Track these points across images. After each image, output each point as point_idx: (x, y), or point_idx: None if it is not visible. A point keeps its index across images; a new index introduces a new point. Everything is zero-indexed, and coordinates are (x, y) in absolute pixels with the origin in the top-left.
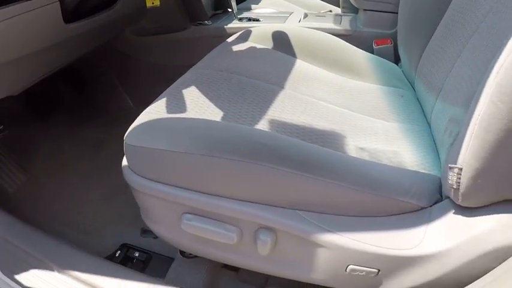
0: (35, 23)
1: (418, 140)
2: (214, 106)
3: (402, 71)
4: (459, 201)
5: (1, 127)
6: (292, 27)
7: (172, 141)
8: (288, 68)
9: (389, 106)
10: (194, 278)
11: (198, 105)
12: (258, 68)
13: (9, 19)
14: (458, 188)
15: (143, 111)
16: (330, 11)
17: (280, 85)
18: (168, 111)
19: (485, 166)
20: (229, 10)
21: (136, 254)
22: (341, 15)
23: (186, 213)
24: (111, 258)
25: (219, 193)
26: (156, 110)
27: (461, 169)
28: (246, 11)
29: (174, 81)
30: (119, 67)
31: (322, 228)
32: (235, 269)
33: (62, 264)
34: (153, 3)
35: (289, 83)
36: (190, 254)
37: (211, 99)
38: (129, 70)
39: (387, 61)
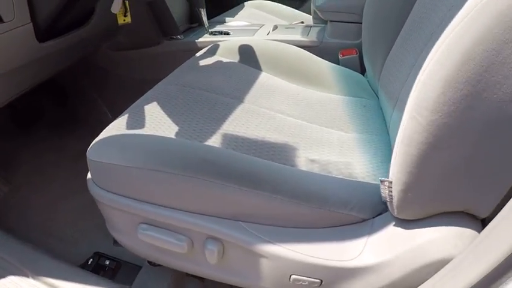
0: (9, 43)
1: (374, 151)
2: (171, 122)
3: (367, 80)
4: (395, 214)
5: None
6: (258, 40)
7: (124, 157)
8: (250, 81)
9: (350, 116)
10: (159, 285)
11: (156, 121)
12: (220, 83)
13: None
14: (392, 201)
15: (106, 128)
16: (302, 22)
17: (240, 99)
18: (128, 127)
19: (412, 180)
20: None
21: (107, 262)
22: (310, 27)
23: (142, 223)
24: (84, 266)
25: (169, 205)
26: (117, 126)
27: (391, 182)
28: (220, 24)
29: None
30: (98, 81)
31: (263, 239)
32: (200, 278)
33: (37, 271)
34: (124, 20)
35: (250, 97)
36: None
37: (169, 114)
38: (108, 83)
39: (352, 71)
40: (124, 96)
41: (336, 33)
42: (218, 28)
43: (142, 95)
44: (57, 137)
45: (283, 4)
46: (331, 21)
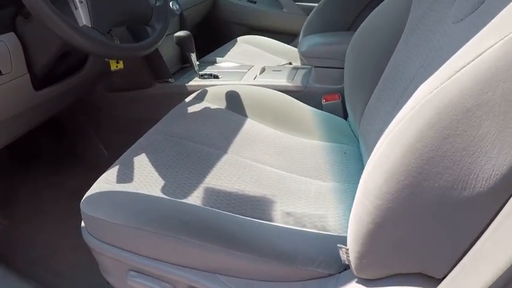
0: (6, 93)
1: (350, 201)
2: (157, 176)
3: (350, 125)
4: (355, 274)
5: None
6: (244, 87)
7: (112, 214)
8: (235, 130)
9: (330, 164)
10: None
11: (144, 174)
12: (207, 132)
13: None
14: (350, 264)
15: (98, 180)
16: (290, 63)
17: (224, 149)
18: (118, 181)
19: (365, 250)
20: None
21: None
22: (297, 68)
23: (131, 270)
24: None
25: (154, 257)
26: (108, 179)
27: (348, 249)
28: (210, 64)
29: (143, 134)
30: (94, 119)
31: None
32: None
33: None
34: (117, 66)
35: (234, 147)
36: None
37: (156, 167)
38: (104, 122)
39: (335, 116)
40: (119, 134)
41: (320, 79)
42: (208, 70)
43: (137, 133)
44: (54, 174)
45: (275, 39)
46: (315, 66)
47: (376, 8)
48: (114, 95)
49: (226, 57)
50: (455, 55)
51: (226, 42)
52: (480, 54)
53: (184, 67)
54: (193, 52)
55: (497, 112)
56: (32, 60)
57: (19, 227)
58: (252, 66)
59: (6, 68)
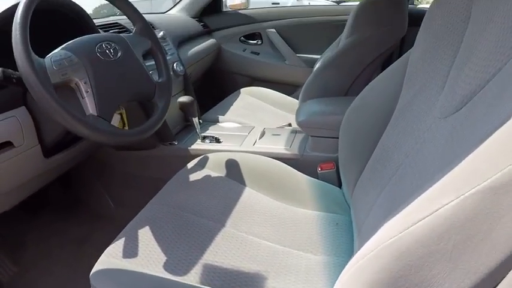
0: (17, 164)
1: (338, 275)
2: (160, 251)
3: (343, 194)
4: None
5: None
6: (243, 155)
7: None
8: (234, 200)
9: (322, 236)
10: None
11: (147, 250)
12: (207, 203)
13: None
14: None
15: (105, 252)
16: (289, 124)
17: (222, 222)
18: (124, 255)
19: None
20: (200, 122)
21: None
22: (295, 132)
23: None
24: None
25: None
26: (114, 253)
27: None
28: (213, 124)
29: (147, 190)
30: (100, 172)
31: None
32: None
33: None
34: (123, 129)
35: (231, 219)
36: None
37: (158, 241)
38: (109, 175)
39: (330, 185)
40: (125, 188)
41: (316, 147)
42: (211, 130)
43: (141, 189)
44: (61, 221)
45: (277, 89)
46: (311, 136)
47: (370, 84)
48: (120, 153)
49: (228, 113)
50: (412, 205)
51: (230, 91)
52: (436, 210)
53: (188, 125)
54: (195, 117)
55: (448, 257)
56: (42, 132)
57: (27, 271)
58: (252, 127)
59: (19, 141)
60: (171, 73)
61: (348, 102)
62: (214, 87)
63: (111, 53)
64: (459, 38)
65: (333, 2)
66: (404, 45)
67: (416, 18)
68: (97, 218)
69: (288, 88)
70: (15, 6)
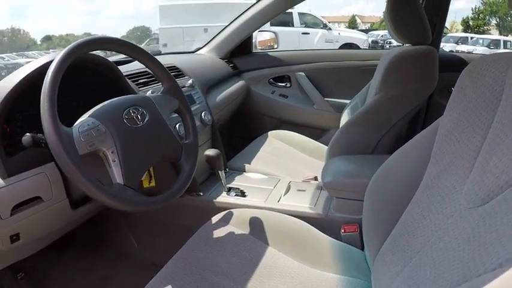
0: (45, 216)
1: None
2: None
3: (366, 257)
4: None
5: (22, 275)
6: (267, 213)
7: None
8: (256, 261)
9: None
10: None
11: None
12: (229, 263)
13: (27, 218)
14: None
15: None
16: (315, 178)
17: (242, 285)
18: None
19: None
20: (226, 170)
21: None
22: (321, 188)
23: None
24: None
25: None
26: None
27: None
28: (239, 173)
29: (171, 235)
30: (126, 213)
31: None
32: None
33: None
34: (149, 184)
35: (252, 282)
36: None
37: None
38: (135, 217)
39: (353, 248)
40: (149, 230)
41: (340, 209)
42: (237, 181)
43: (165, 233)
44: (86, 258)
45: (305, 133)
46: (336, 197)
47: (397, 152)
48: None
49: (255, 160)
50: None
51: (257, 133)
52: None
53: (213, 173)
54: (221, 170)
55: None
56: (70, 187)
57: None
58: (278, 180)
59: (47, 196)
60: (199, 123)
61: (374, 162)
62: (242, 128)
63: (138, 119)
64: (490, 117)
65: (360, 30)
66: (433, 94)
67: (445, 63)
68: (121, 257)
69: (316, 132)
70: (49, 63)
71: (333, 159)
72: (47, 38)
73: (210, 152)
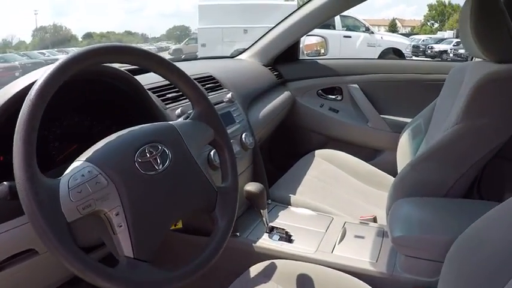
0: (43, 271)
1: None
2: None
3: None
4: None
5: None
6: (319, 270)
7: None
8: None
9: None
10: None
11: None
12: None
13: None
14: None
15: None
16: (374, 218)
17: None
18: None
19: None
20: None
21: None
22: (382, 235)
23: None
24: None
25: None
26: None
27: None
28: (283, 206)
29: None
30: None
31: None
32: None
33: None
34: (175, 226)
35: None
36: None
37: None
38: (163, 254)
39: None
40: None
41: (410, 268)
42: (281, 217)
43: None
44: None
45: (355, 154)
46: (406, 255)
47: (488, 214)
48: (175, 234)
49: (301, 188)
50: None
51: (302, 150)
52: None
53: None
54: (264, 209)
55: None
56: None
57: None
58: (331, 219)
59: (43, 248)
60: (239, 148)
61: (452, 209)
62: (284, 144)
63: (157, 162)
64: None
65: (401, 34)
66: None
67: None
68: None
69: (368, 153)
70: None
71: (400, 202)
72: (88, 35)
73: (252, 187)
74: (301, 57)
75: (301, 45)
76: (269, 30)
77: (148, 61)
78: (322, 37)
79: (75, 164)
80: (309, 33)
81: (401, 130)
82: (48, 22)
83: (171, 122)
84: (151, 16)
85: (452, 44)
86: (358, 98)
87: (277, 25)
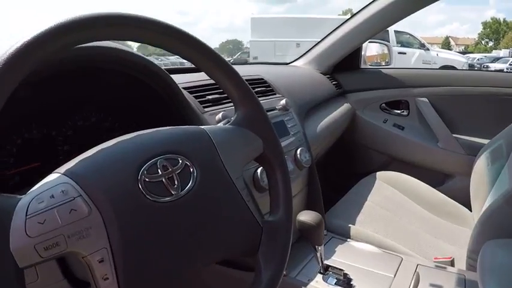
0: None
1: None
2: None
3: None
4: None
5: None
6: None
7: None
8: None
9: None
10: None
11: None
12: None
13: None
14: None
15: None
16: (452, 261)
17: None
18: None
19: None
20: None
21: None
22: (464, 282)
23: None
24: None
25: None
26: None
27: None
28: (341, 239)
29: None
30: None
31: None
32: None
33: None
34: None
35: None
36: None
37: None
38: None
39: None
40: None
41: None
42: (337, 256)
43: None
44: None
45: (421, 177)
46: None
47: None
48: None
49: (362, 216)
50: None
51: (362, 170)
52: None
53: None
54: (321, 245)
55: None
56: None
57: None
58: (400, 261)
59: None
60: (292, 166)
61: None
62: (342, 162)
63: (173, 183)
64: None
65: (458, 52)
66: None
67: None
68: None
69: (436, 177)
70: None
71: (491, 245)
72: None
73: (307, 217)
74: (362, 66)
75: (363, 53)
76: (327, 35)
77: (165, 37)
78: (386, 44)
79: (50, 177)
80: (371, 40)
81: (476, 152)
82: None
83: (202, 127)
84: (205, 29)
85: (508, 63)
86: (427, 114)
87: (336, 29)
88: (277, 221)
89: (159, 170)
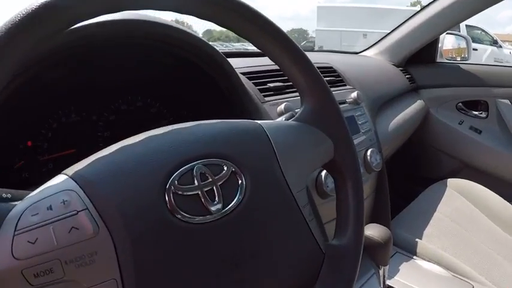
0: None
1: None
2: None
3: None
4: None
5: None
6: None
7: None
8: None
9: None
10: None
11: None
12: None
13: None
14: None
15: None
16: None
17: None
18: None
19: None
20: None
21: None
22: None
23: None
24: None
25: None
26: None
27: None
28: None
29: None
30: None
31: None
32: None
33: None
34: None
35: None
36: None
37: None
38: None
39: None
40: None
41: None
42: (400, 276)
43: None
44: None
45: (497, 189)
46: None
47: None
48: None
49: (430, 229)
50: None
51: (430, 176)
52: None
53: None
54: (386, 265)
55: None
56: None
57: None
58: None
59: None
60: (362, 169)
61: None
62: (409, 166)
63: (213, 197)
64: None
65: None
66: None
67: None
68: None
69: None
70: None
71: None
72: (208, 32)
73: (374, 232)
74: (438, 60)
75: (439, 45)
76: (400, 25)
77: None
78: (464, 37)
79: (56, 179)
80: (448, 31)
81: None
82: (170, 17)
83: (258, 122)
84: (271, 18)
85: None
86: (508, 118)
87: (411, 18)
88: (344, 245)
89: (195, 180)
